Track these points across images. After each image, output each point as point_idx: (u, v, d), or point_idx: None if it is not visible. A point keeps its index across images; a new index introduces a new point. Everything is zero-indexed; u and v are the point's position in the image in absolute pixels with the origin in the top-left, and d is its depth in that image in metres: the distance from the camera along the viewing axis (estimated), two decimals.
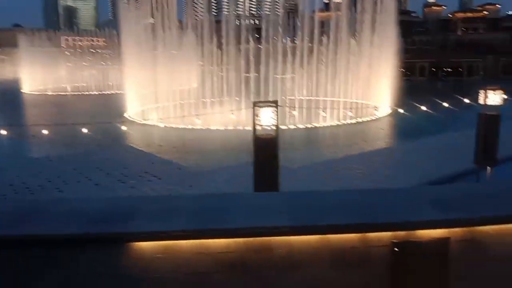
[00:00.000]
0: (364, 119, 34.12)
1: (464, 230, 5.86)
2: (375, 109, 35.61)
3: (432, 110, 28.76)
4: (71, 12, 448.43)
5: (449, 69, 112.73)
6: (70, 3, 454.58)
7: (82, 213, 6.15)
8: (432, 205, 6.31)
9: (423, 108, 29.25)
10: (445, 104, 27.99)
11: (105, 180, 17.23)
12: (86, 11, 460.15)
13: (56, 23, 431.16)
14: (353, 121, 33.50)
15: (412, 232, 5.77)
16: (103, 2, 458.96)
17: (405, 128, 30.63)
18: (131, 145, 25.03)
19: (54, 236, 5.46)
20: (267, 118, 12.09)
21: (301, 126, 30.69)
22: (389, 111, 37.24)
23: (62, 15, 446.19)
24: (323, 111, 22.52)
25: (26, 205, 6.86)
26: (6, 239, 5.43)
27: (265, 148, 12.38)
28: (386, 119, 35.09)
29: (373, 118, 34.80)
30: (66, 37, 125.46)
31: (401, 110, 30.21)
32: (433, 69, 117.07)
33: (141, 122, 31.56)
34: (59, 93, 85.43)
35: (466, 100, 29.72)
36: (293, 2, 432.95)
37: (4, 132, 17.35)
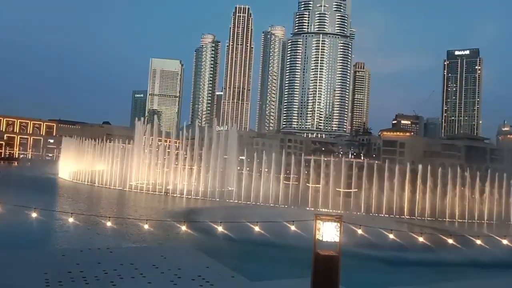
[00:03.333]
0: (438, 245, 31.18)
1: None
2: (449, 237, 32.70)
3: None
4: (155, 115, 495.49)
5: None
6: (156, 107, 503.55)
7: None
8: None
9: (504, 242, 26.49)
10: None
11: (158, 279, 16.95)
12: (169, 115, 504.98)
13: (141, 123, 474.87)
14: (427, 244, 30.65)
15: None
16: (185, 108, 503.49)
17: (478, 263, 27.68)
18: (190, 245, 24.96)
19: None
20: (329, 234, 11.43)
21: (363, 244, 28.91)
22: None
23: (147, 117, 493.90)
24: (391, 231, 21.28)
25: None
26: None
27: (326, 267, 11.59)
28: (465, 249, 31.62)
29: (449, 242, 31.56)
30: (146, 136, 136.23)
31: (478, 242, 27.55)
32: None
33: (203, 222, 31.80)
34: (129, 190, 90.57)
35: None
36: (360, 121, 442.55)
37: (74, 220, 18.25)
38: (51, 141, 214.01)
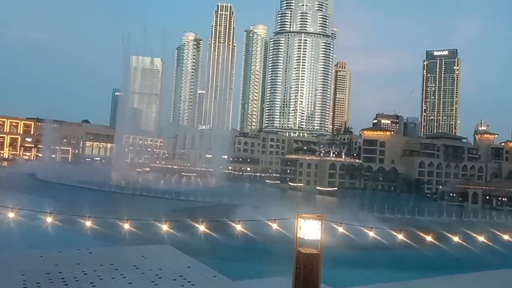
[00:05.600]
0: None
1: None
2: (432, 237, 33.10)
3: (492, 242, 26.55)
4: (135, 113, 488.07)
5: (504, 198, 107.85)
6: (136, 106, 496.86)
7: None
8: None
9: (481, 238, 27.11)
10: (505, 237, 25.88)
11: (139, 280, 16.78)
12: (149, 114, 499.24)
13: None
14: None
15: None
16: (167, 107, 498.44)
17: (456, 259, 28.27)
18: (171, 245, 24.79)
19: None
20: (311, 232, 11.51)
21: (344, 243, 29.20)
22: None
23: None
24: (371, 228, 21.55)
25: None
26: None
27: (307, 264, 11.68)
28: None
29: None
30: (127, 135, 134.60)
31: (455, 238, 28.11)
32: (487, 197, 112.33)
33: (184, 221, 31.58)
34: (110, 190, 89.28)
35: None
36: (342, 120, 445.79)
37: (52, 220, 17.89)
38: (29, 140, 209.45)
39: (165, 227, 18.53)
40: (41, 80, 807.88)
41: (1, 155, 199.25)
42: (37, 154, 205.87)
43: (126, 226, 17.89)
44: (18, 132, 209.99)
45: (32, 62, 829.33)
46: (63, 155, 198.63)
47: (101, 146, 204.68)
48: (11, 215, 16.94)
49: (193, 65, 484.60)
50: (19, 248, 23.02)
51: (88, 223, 17.96)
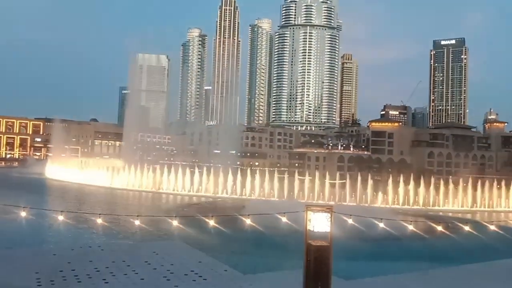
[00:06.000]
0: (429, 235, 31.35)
1: None
2: (449, 224, 32.91)
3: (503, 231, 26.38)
4: (143, 111, 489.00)
5: None
6: (143, 103, 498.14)
7: None
8: None
9: (492, 227, 26.93)
10: None
11: (150, 275, 16.92)
12: (157, 111, 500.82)
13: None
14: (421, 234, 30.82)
15: None
16: (174, 103, 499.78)
17: (468, 249, 28.05)
18: (181, 240, 24.93)
19: None
20: (320, 224, 11.50)
21: (355, 235, 29.09)
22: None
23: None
24: (381, 219, 21.46)
25: None
26: None
27: (317, 257, 11.68)
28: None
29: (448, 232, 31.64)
30: (135, 132, 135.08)
31: (467, 228, 27.88)
32: (498, 186, 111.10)
33: (194, 216, 31.77)
34: (119, 188, 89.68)
35: None
36: (349, 112, 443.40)
37: (64, 219, 18.06)
38: (38, 139, 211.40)
39: (175, 223, 18.66)
40: (49, 80, 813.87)
41: (12, 155, 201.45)
42: (47, 153, 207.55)
43: (137, 222, 18.05)
44: (28, 132, 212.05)
45: (39, 63, 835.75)
46: (73, 154, 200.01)
47: (109, 144, 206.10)
48: (23, 214, 17.15)
49: (198, 61, 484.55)
50: (32, 246, 23.33)
51: (99, 221, 18.13)
